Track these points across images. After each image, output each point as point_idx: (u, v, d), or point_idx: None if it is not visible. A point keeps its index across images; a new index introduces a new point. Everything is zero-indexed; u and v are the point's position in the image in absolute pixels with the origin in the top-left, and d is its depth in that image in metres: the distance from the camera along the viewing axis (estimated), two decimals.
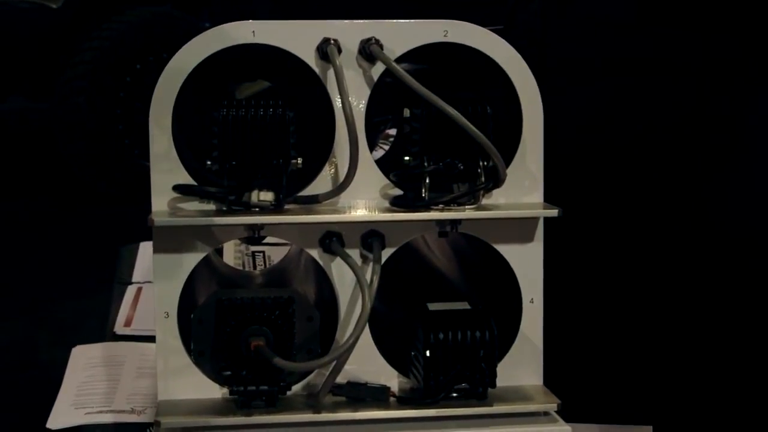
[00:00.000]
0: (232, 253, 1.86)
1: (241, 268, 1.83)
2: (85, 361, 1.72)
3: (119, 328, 1.79)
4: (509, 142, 1.18)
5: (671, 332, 1.55)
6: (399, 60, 1.15)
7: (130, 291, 1.87)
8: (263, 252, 1.89)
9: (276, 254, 1.85)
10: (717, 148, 1.54)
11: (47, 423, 1.58)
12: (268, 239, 1.21)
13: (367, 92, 1.16)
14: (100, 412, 1.59)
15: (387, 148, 1.31)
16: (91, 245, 2.16)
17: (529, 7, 2.66)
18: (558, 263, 1.27)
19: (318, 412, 1.13)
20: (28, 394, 1.65)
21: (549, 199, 1.20)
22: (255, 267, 1.86)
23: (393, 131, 1.31)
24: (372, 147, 1.31)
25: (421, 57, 1.18)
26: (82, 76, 2.70)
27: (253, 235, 1.15)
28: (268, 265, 1.86)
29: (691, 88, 1.59)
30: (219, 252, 1.84)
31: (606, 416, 1.50)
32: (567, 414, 1.19)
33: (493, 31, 1.19)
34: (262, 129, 1.10)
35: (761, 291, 1.44)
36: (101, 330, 1.81)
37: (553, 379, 1.23)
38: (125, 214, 1.38)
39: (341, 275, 1.17)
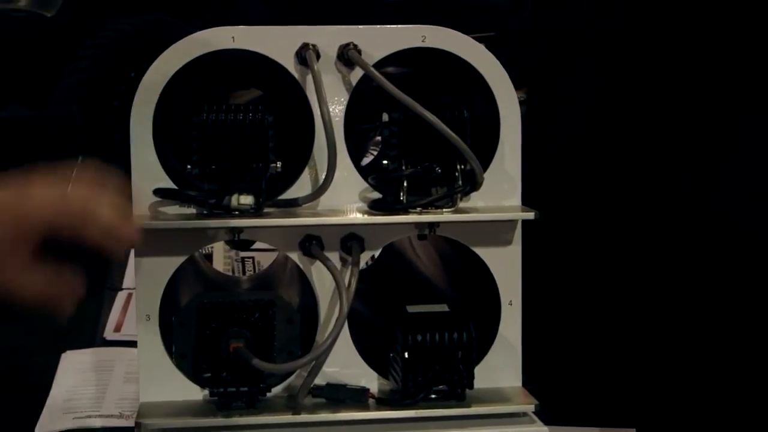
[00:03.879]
0: (221, 259, 1.87)
1: (229, 273, 1.84)
2: (74, 367, 1.73)
3: (109, 334, 1.81)
4: (487, 146, 1.20)
5: (654, 334, 1.56)
6: (378, 65, 1.16)
7: (121, 297, 1.88)
8: (252, 257, 1.90)
9: (265, 259, 1.86)
10: (698, 150, 1.55)
11: (36, 428, 1.59)
12: (258, 245, 1.22)
13: (346, 97, 1.17)
14: (89, 416, 1.61)
15: (366, 150, 1.33)
16: (83, 251, 2.16)
17: (521, 15, 2.68)
18: (539, 266, 1.28)
19: (297, 413, 1.14)
20: (17, 399, 1.66)
21: (535, 201, 1.21)
22: (244, 272, 1.87)
23: (372, 133, 1.32)
24: (361, 154, 1.32)
25: (400, 62, 1.20)
26: (76, 84, 2.71)
27: (234, 239, 1.16)
28: (256, 271, 1.87)
29: (679, 93, 1.61)
30: (208, 257, 1.86)
31: (589, 419, 1.51)
32: (550, 417, 1.20)
33: (485, 38, 1.20)
34: (242, 133, 1.11)
35: (744, 291, 1.45)
36: (91, 335, 1.82)
37: (535, 381, 1.24)
38: None
39: (321, 278, 1.18)
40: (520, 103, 1.93)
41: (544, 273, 1.40)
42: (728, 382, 1.49)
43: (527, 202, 1.21)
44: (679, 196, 1.56)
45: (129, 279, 1.93)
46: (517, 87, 2.10)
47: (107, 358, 1.74)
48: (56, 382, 1.69)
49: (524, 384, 1.23)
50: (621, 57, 1.70)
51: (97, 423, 1.60)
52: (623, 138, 1.66)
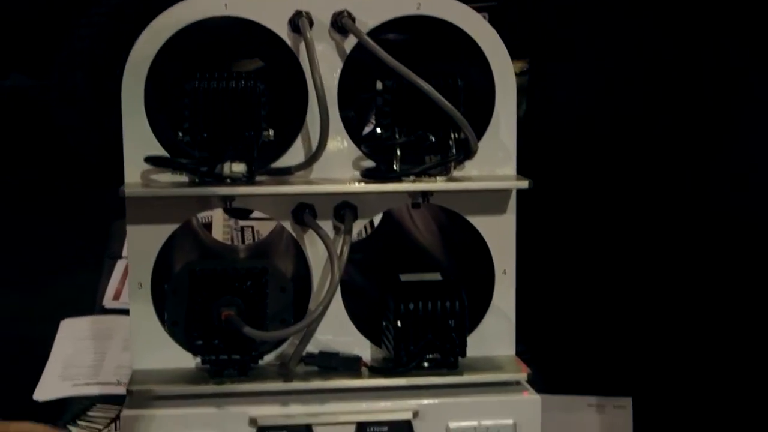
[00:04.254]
0: (220, 227, 1.87)
1: (228, 242, 1.84)
2: (73, 334, 1.74)
3: (108, 302, 1.81)
4: (482, 115, 1.19)
5: (650, 303, 1.56)
6: (372, 32, 1.15)
7: (120, 265, 1.89)
8: (252, 226, 1.90)
9: (265, 228, 1.86)
10: (698, 124, 1.54)
11: (34, 394, 1.60)
12: (257, 213, 1.22)
13: (340, 65, 1.16)
14: (87, 384, 1.61)
15: (360, 118, 1.32)
16: (83, 220, 2.17)
17: None
18: (534, 235, 1.28)
19: (289, 380, 1.14)
20: (16, 366, 1.67)
21: (534, 170, 1.20)
22: (243, 241, 1.87)
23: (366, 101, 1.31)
24: (363, 123, 1.32)
25: (394, 29, 1.19)
26: (79, 53, 2.70)
27: (226, 206, 1.16)
28: (255, 240, 1.87)
29: (683, 67, 1.60)
30: (207, 226, 1.86)
31: (586, 387, 1.51)
32: (547, 385, 1.20)
33: (486, 8, 1.19)
34: (233, 100, 1.11)
35: (740, 262, 1.45)
36: (90, 303, 1.82)
37: (533, 351, 1.24)
38: (118, 190, 1.39)
39: (314, 247, 1.17)
40: (523, 73, 1.92)
41: (542, 242, 1.40)
42: (724, 352, 1.49)
43: (528, 170, 1.20)
44: (676, 165, 1.55)
45: None
46: (519, 57, 2.09)
47: (106, 325, 1.75)
48: (55, 349, 1.70)
49: (522, 353, 1.23)
50: (624, 29, 1.69)
51: (95, 390, 1.60)
52: (623, 108, 1.65)
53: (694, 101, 1.56)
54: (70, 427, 1.52)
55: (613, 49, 1.72)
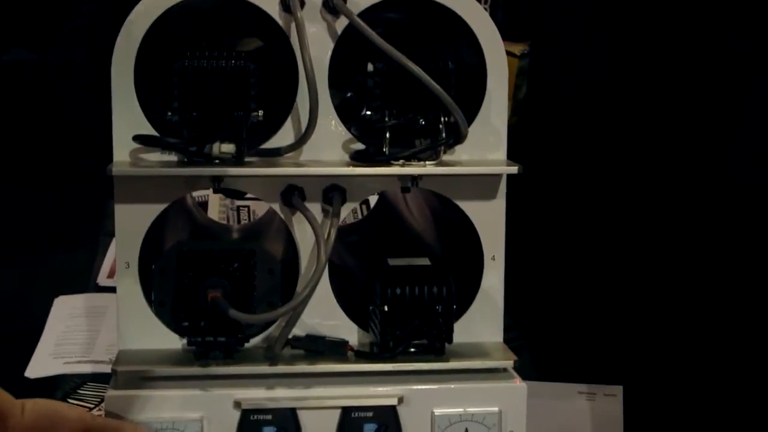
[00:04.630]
0: (216, 207, 1.87)
1: (223, 222, 1.84)
2: (66, 312, 1.73)
3: (102, 280, 1.81)
4: (474, 98, 1.18)
5: (641, 292, 1.55)
6: (363, 14, 1.14)
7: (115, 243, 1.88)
8: (248, 206, 1.89)
9: (261, 209, 1.86)
10: (696, 110, 1.53)
11: (26, 372, 1.60)
12: (251, 194, 1.21)
13: (331, 45, 1.15)
14: (79, 362, 1.61)
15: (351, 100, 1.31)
16: (80, 197, 2.16)
17: None
18: (529, 220, 1.27)
19: (274, 364, 1.13)
20: (8, 343, 1.67)
21: (532, 154, 1.19)
22: (239, 221, 1.87)
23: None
24: (354, 105, 1.30)
25: (386, 11, 1.17)
26: (81, 29, 2.69)
27: (215, 187, 1.15)
28: (251, 220, 1.86)
29: (682, 52, 1.58)
30: (203, 206, 1.85)
31: (577, 375, 1.51)
32: (538, 372, 1.19)
33: None
34: (222, 80, 1.10)
35: (729, 253, 1.44)
36: (85, 281, 1.82)
37: (524, 337, 1.24)
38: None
39: (302, 229, 1.17)
40: (524, 55, 1.90)
41: (536, 227, 1.39)
42: (715, 342, 1.48)
43: (528, 153, 1.19)
44: (673, 153, 1.54)
45: None
46: (521, 40, 2.08)
47: (100, 303, 1.75)
48: (48, 326, 1.70)
49: (515, 339, 1.22)
50: (627, 13, 1.68)
51: (87, 369, 1.60)
52: (621, 94, 1.64)
53: (696, 88, 1.54)
54: None
55: (615, 32, 1.70)
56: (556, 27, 1.86)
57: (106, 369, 1.59)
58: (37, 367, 1.60)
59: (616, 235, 1.59)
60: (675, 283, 1.51)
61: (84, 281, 1.82)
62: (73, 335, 1.67)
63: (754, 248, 1.40)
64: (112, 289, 1.78)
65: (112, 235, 1.93)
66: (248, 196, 1.79)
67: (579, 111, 1.76)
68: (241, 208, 1.89)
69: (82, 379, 1.59)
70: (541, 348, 1.25)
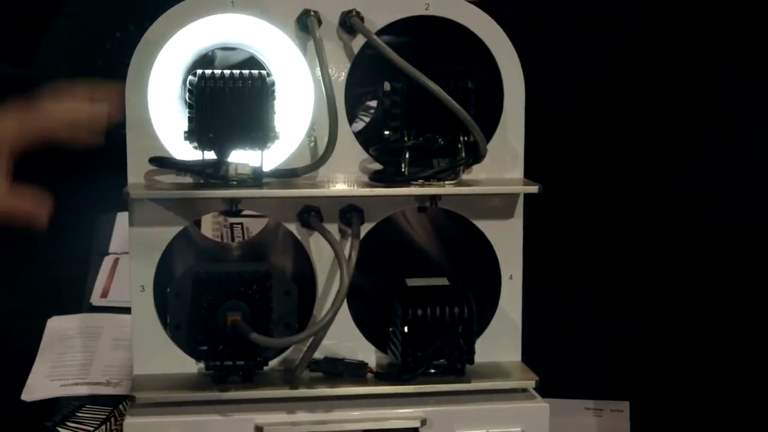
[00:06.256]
0: (210, 225, 1.84)
1: (218, 239, 1.82)
2: (60, 333, 1.70)
3: (96, 299, 1.78)
4: (490, 117, 1.17)
5: (649, 308, 1.55)
6: (380, 32, 1.14)
7: (107, 262, 1.85)
8: (242, 224, 1.87)
9: (254, 226, 1.84)
10: (692, 125, 1.54)
11: (22, 395, 1.57)
12: (246, 211, 1.20)
13: (348, 65, 1.14)
14: (76, 384, 1.59)
15: (367, 119, 1.30)
16: (69, 214, 2.13)
17: None
18: (538, 240, 1.26)
19: (295, 387, 1.12)
20: (2, 366, 1.64)
21: (536, 174, 1.19)
22: (233, 239, 1.85)
23: (373, 102, 1.29)
24: (371, 125, 1.29)
25: (403, 30, 1.17)
26: (61, 43, 2.67)
27: (231, 209, 1.14)
28: (245, 237, 1.84)
29: (680, 55, 1.59)
30: (197, 223, 1.82)
31: (584, 391, 1.50)
32: (545, 389, 1.18)
33: (479, 0, 1.17)
34: (240, 101, 1.08)
35: (735, 266, 1.44)
36: (78, 301, 1.79)
37: (529, 353, 1.23)
38: (103, 183, 1.36)
39: (319, 250, 1.15)
40: None
41: (540, 244, 1.38)
42: (721, 356, 1.48)
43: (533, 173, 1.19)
44: (679, 170, 1.54)
45: (116, 243, 1.90)
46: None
47: (94, 324, 1.72)
48: (42, 348, 1.67)
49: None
50: (619, 21, 1.68)
51: (84, 390, 1.58)
52: (623, 105, 1.64)
53: (694, 98, 1.55)
54: (60, 429, 1.49)
55: (614, 44, 1.70)
56: (545, 46, 1.86)
57: (104, 391, 1.57)
58: (34, 390, 1.57)
59: (622, 249, 1.59)
60: (682, 298, 1.51)
61: (77, 301, 1.79)
62: (68, 357, 1.64)
63: (760, 265, 1.40)
64: (106, 309, 1.76)
65: (103, 253, 1.91)
66: (243, 213, 1.78)
67: (569, 130, 1.76)
68: (234, 225, 1.87)
69: (80, 402, 1.56)
70: (546, 364, 1.24)
